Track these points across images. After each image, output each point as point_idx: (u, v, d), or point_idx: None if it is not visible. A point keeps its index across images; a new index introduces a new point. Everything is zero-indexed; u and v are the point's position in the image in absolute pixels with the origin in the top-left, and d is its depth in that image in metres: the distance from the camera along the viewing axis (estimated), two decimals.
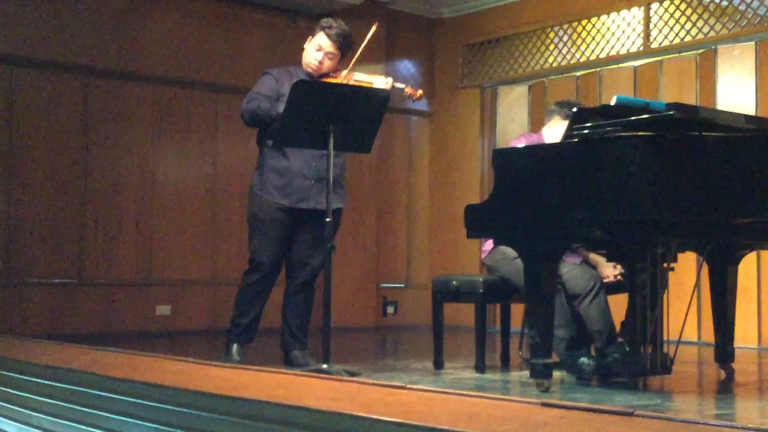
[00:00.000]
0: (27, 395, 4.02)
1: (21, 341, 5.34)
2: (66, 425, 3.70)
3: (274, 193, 4.89)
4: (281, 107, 4.71)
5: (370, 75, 4.93)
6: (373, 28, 4.83)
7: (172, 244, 7.51)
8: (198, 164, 7.69)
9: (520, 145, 4.75)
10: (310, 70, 4.96)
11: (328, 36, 4.91)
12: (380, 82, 4.83)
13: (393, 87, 4.85)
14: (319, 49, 4.92)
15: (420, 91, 4.99)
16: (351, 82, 4.83)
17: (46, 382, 3.90)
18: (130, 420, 3.35)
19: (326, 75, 4.96)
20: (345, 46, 4.97)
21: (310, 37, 4.99)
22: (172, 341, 6.85)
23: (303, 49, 5.01)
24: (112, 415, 3.46)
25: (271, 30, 8.03)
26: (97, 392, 3.56)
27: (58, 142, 7.07)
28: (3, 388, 4.22)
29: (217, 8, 7.83)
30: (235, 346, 4.90)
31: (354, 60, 4.87)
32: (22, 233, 6.88)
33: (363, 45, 4.82)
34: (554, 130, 4.96)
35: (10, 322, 6.61)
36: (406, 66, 9.00)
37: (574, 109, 3.92)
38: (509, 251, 4.72)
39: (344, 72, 4.90)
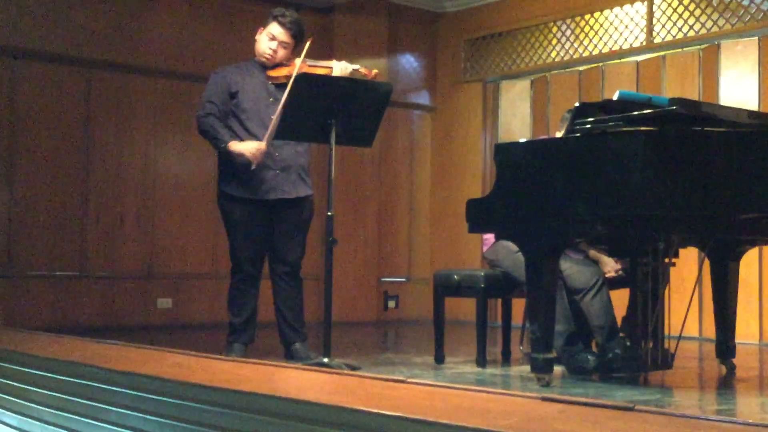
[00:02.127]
0: (28, 387, 4.03)
1: (23, 334, 5.34)
2: (67, 417, 3.70)
3: (240, 187, 4.85)
4: (239, 102, 4.80)
5: (322, 61, 4.90)
6: (308, 43, 4.82)
7: (173, 237, 7.52)
8: (199, 157, 7.67)
9: None
10: (264, 60, 4.93)
11: (282, 25, 4.89)
12: (339, 66, 4.81)
13: (353, 72, 4.81)
14: (273, 39, 4.90)
15: (375, 71, 4.91)
16: (306, 69, 4.78)
17: (48, 374, 3.91)
18: (131, 413, 3.35)
19: (280, 65, 4.93)
20: (298, 35, 4.95)
21: (261, 27, 4.96)
22: (173, 334, 6.85)
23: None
24: (113, 408, 3.46)
25: None
26: (99, 385, 3.56)
27: (59, 135, 7.07)
28: (4, 381, 4.22)
29: (219, 1, 7.82)
30: (236, 345, 4.88)
31: (306, 46, 4.82)
32: (24, 226, 6.89)
33: (303, 53, 4.82)
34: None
35: (12, 315, 6.62)
36: (409, 60, 8.99)
37: (576, 104, 3.92)
38: (511, 245, 4.71)
39: (298, 60, 4.86)
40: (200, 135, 4.92)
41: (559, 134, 5.03)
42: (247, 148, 4.72)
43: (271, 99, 4.83)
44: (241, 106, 4.83)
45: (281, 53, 4.92)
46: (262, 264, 4.98)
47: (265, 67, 4.93)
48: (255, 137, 4.80)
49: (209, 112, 4.84)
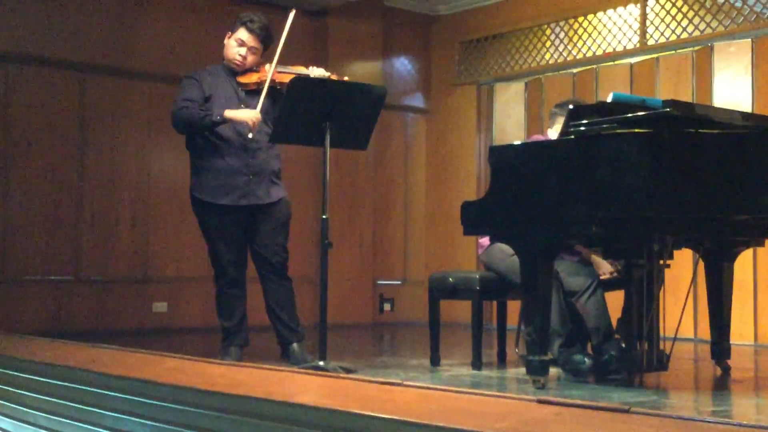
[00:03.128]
0: (23, 392, 4.02)
1: (17, 338, 5.33)
2: (62, 422, 3.70)
3: (213, 193, 4.83)
4: (214, 108, 4.74)
5: (294, 67, 4.88)
6: (292, 14, 4.75)
7: (168, 240, 7.50)
8: None
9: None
10: (234, 65, 4.91)
11: (250, 30, 4.87)
12: (318, 72, 4.79)
13: (328, 76, 4.77)
14: (242, 44, 4.88)
15: (346, 78, 4.89)
16: (276, 75, 4.77)
17: (43, 379, 3.90)
18: (126, 417, 3.35)
19: (249, 70, 4.91)
20: (267, 39, 4.93)
21: (230, 32, 4.93)
22: (168, 338, 6.84)
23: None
24: (109, 413, 3.46)
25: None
26: (94, 389, 3.56)
27: (54, 139, 7.06)
28: None
29: (213, 4, 7.81)
30: (232, 349, 4.88)
31: (278, 53, 4.78)
32: (19, 230, 6.87)
33: (284, 34, 4.76)
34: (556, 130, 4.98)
35: (6, 320, 6.60)
36: (403, 63, 9.00)
37: (570, 106, 3.93)
38: (506, 248, 4.72)
39: (267, 66, 4.85)
40: (179, 129, 4.88)
41: (551, 130, 5.04)
42: (246, 114, 4.69)
43: (242, 105, 4.80)
44: (213, 112, 4.80)
45: (250, 59, 4.90)
46: (244, 267, 4.97)
47: (234, 72, 4.91)
48: (228, 143, 4.77)
49: (184, 105, 4.78)
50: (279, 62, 4.81)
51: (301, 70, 4.85)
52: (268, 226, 4.88)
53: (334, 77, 4.78)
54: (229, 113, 4.71)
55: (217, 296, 4.96)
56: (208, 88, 4.84)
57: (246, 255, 4.96)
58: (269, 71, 4.76)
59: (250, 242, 4.91)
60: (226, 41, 4.94)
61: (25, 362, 4.11)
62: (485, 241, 4.96)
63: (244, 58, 4.87)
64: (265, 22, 4.91)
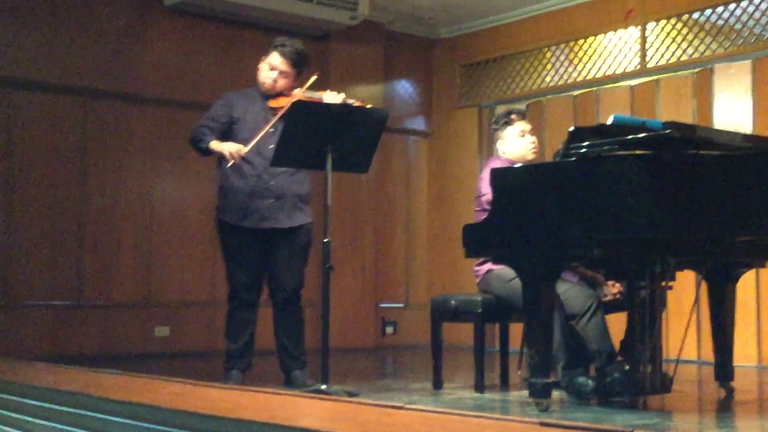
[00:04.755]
0: (25, 418, 4.01)
1: (20, 363, 5.32)
2: None
3: (235, 215, 4.88)
4: (237, 129, 4.82)
5: (320, 92, 4.90)
6: (313, 78, 4.86)
7: (170, 265, 7.51)
8: (196, 185, 7.68)
9: (496, 165, 4.79)
10: (264, 89, 4.95)
11: (282, 54, 4.91)
12: (330, 97, 4.82)
13: (344, 101, 4.80)
14: (273, 69, 4.92)
15: (369, 105, 4.93)
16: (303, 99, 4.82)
17: (45, 404, 3.89)
18: None
19: (280, 94, 4.94)
20: (299, 64, 4.97)
21: (264, 56, 4.99)
22: (170, 362, 6.83)
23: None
24: None
25: (269, 50, 8.04)
26: (96, 414, 3.55)
27: (56, 164, 7.08)
28: (1, 411, 4.21)
29: (215, 30, 7.85)
30: (234, 372, 4.88)
31: (309, 83, 4.87)
32: (21, 255, 6.87)
33: (306, 85, 4.88)
34: (506, 144, 5.04)
35: (8, 344, 6.59)
36: (404, 86, 9.03)
37: (571, 128, 3.93)
38: (503, 273, 4.73)
39: (297, 91, 4.89)
40: (191, 146, 4.95)
41: (497, 145, 5.08)
42: (225, 146, 4.73)
43: (271, 129, 4.82)
44: (240, 135, 4.85)
45: (281, 82, 4.93)
46: (259, 291, 4.98)
47: (267, 96, 4.95)
48: (251, 165, 4.81)
49: (203, 125, 4.88)
50: (310, 88, 4.86)
51: (327, 94, 4.84)
52: (286, 252, 4.89)
53: (353, 102, 4.80)
54: (213, 144, 4.78)
55: (226, 317, 4.97)
56: (236, 110, 4.90)
57: (262, 280, 4.97)
58: (297, 96, 4.79)
59: (267, 266, 4.92)
60: (259, 65, 4.99)
61: (27, 387, 4.10)
62: (481, 269, 4.96)
63: (275, 81, 4.92)
64: (298, 47, 4.96)
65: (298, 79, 5.01)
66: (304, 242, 4.95)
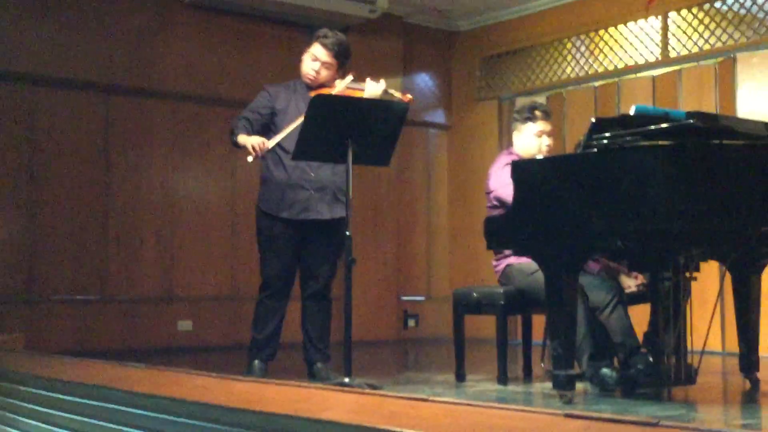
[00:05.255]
0: (51, 411, 4.04)
1: (45, 358, 5.37)
2: None
3: (274, 206, 4.90)
4: (279, 120, 4.83)
5: (361, 83, 4.91)
6: (349, 76, 4.87)
7: (192, 259, 7.54)
8: (218, 179, 7.72)
9: (504, 162, 4.78)
10: (307, 81, 4.97)
11: (324, 45, 4.92)
12: (372, 86, 4.83)
13: (385, 92, 4.83)
14: (315, 60, 4.93)
15: (409, 96, 4.93)
16: (344, 91, 4.83)
17: (71, 398, 3.92)
18: None
19: (323, 86, 4.95)
20: (342, 56, 4.98)
21: (307, 48, 5.00)
22: (193, 356, 6.87)
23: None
24: (135, 430, 3.47)
25: (289, 45, 8.06)
26: (121, 407, 3.57)
27: (79, 160, 7.13)
28: (28, 405, 4.24)
29: (235, 24, 7.87)
30: (256, 362, 4.90)
31: (348, 79, 4.90)
32: (45, 251, 6.93)
33: (343, 85, 4.89)
34: (522, 138, 5.01)
35: (34, 339, 6.65)
36: (424, 79, 9.02)
37: (593, 119, 3.91)
38: (524, 267, 4.72)
39: (338, 82, 4.90)
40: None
41: (515, 138, 5.06)
42: (249, 140, 4.74)
43: None
44: (280, 126, 4.86)
45: (324, 74, 4.95)
46: (292, 282, 5.00)
47: (310, 87, 4.96)
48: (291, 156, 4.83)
49: (241, 117, 4.91)
50: (355, 80, 4.89)
51: (368, 84, 4.85)
52: (323, 243, 4.92)
53: (396, 94, 4.84)
54: (240, 138, 4.78)
55: (256, 306, 5.00)
56: (280, 102, 4.92)
57: (294, 272, 4.99)
58: (338, 87, 4.81)
59: (301, 256, 4.94)
60: (303, 57, 5.00)
61: (53, 381, 4.13)
62: (500, 265, 4.95)
63: (317, 72, 4.93)
64: (341, 38, 4.97)
65: (340, 71, 5.01)
66: (341, 235, 4.95)
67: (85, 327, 7.01)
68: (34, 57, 6.94)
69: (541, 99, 8.38)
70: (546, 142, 4.97)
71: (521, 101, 8.54)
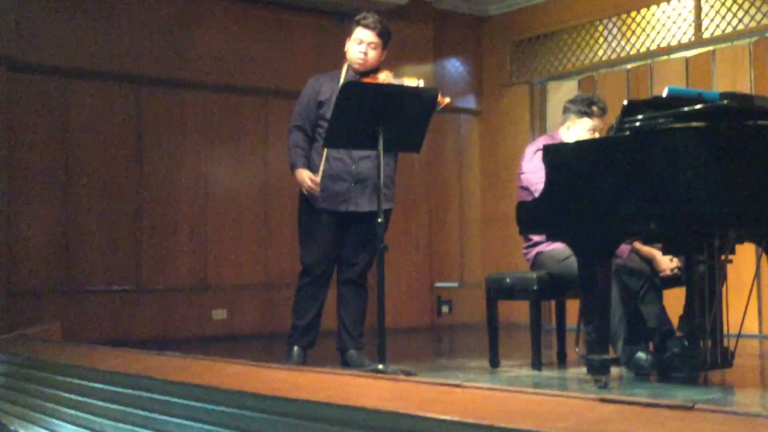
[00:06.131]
0: (89, 400, 4.09)
1: (83, 348, 5.43)
2: (127, 429, 3.75)
3: (316, 196, 4.92)
4: (324, 112, 4.85)
5: (402, 78, 4.89)
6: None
7: (226, 248, 7.59)
8: (250, 169, 7.76)
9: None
10: (357, 65, 4.95)
11: (366, 26, 4.92)
12: (410, 84, 4.81)
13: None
14: (360, 42, 4.93)
15: (447, 99, 4.89)
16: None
17: (108, 387, 3.96)
18: (189, 423, 3.38)
19: (369, 73, 4.94)
20: (385, 34, 4.97)
21: (349, 37, 4.99)
22: (228, 345, 6.91)
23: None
24: (173, 419, 3.50)
25: (319, 33, 8.07)
26: (157, 396, 3.60)
27: (112, 152, 7.19)
28: (66, 395, 4.30)
29: (265, 13, 7.88)
30: (295, 349, 4.94)
31: (387, 75, 4.90)
32: (81, 243, 7.01)
33: (389, 75, 4.89)
34: (572, 131, 4.93)
35: (71, 329, 6.73)
36: (454, 64, 8.99)
37: (625, 102, 3.87)
38: (556, 253, 4.70)
39: (384, 74, 4.90)
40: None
41: (563, 127, 5.00)
42: (302, 180, 4.85)
43: None
44: (326, 117, 4.87)
45: (372, 54, 4.94)
46: (331, 270, 5.02)
47: (358, 74, 4.96)
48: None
49: (296, 125, 4.98)
50: (396, 75, 4.90)
51: (408, 80, 4.84)
52: (362, 233, 4.93)
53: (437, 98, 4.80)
54: (297, 174, 4.88)
55: (296, 292, 5.03)
56: (322, 94, 4.94)
57: (334, 260, 5.02)
58: (383, 79, 4.81)
59: (340, 245, 4.96)
60: (347, 46, 5.00)
61: (91, 371, 4.18)
62: (531, 252, 4.93)
63: (366, 54, 4.93)
64: (379, 17, 4.98)
65: (384, 52, 5.00)
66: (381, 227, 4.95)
67: (120, 317, 7.09)
68: (66, 50, 7.00)
69: (572, 83, 8.33)
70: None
71: (553, 86, 8.49)
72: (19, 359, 4.97)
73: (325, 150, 4.85)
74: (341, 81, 4.95)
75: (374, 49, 4.94)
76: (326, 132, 4.50)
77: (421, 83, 4.78)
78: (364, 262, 4.99)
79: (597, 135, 4.89)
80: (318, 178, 4.84)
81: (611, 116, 4.72)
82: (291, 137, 5.00)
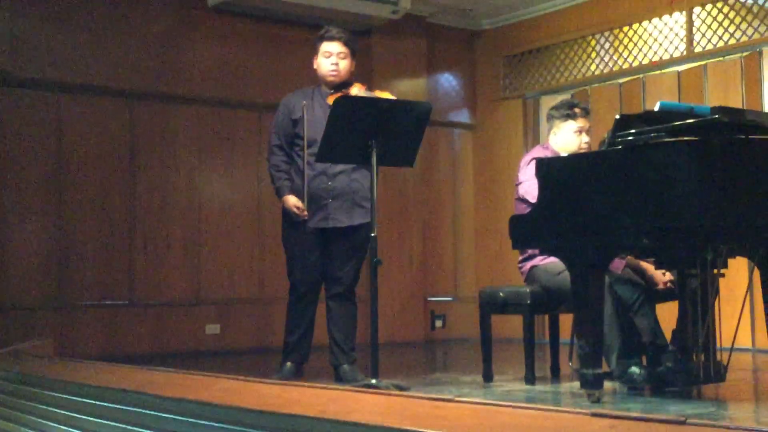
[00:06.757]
0: (80, 416, 4.07)
1: (75, 362, 5.41)
2: None
3: (295, 214, 4.95)
4: (299, 129, 4.93)
5: (380, 92, 4.91)
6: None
7: (219, 262, 7.58)
8: (243, 183, 7.75)
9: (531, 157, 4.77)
10: (330, 79, 4.97)
11: (331, 38, 4.97)
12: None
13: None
14: (330, 55, 4.96)
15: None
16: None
17: (99, 402, 3.95)
18: None
19: (341, 87, 4.96)
20: (350, 42, 5.01)
21: (315, 56, 5.03)
22: (222, 360, 6.90)
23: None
24: None
25: (312, 48, 8.06)
26: (150, 411, 3.59)
27: (105, 166, 7.18)
28: (58, 410, 4.28)
29: (258, 28, 7.90)
30: (288, 365, 4.96)
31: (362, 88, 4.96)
32: (73, 257, 6.99)
33: (361, 90, 4.97)
34: (559, 136, 5.00)
35: (63, 344, 6.71)
36: (448, 79, 9.01)
37: (617, 116, 3.89)
38: (550, 267, 4.70)
39: (355, 88, 4.92)
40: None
41: (551, 135, 5.04)
42: (289, 206, 4.93)
43: None
44: (300, 135, 4.91)
45: (343, 65, 4.97)
46: (318, 285, 5.05)
47: (329, 91, 4.98)
48: (310, 166, 4.91)
49: (275, 144, 5.05)
50: (368, 89, 4.97)
51: (385, 95, 4.86)
52: (344, 248, 4.97)
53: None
54: (284, 200, 4.98)
55: (287, 309, 5.07)
56: (296, 111, 4.98)
57: (321, 275, 5.05)
58: (356, 93, 4.83)
59: (324, 261, 4.97)
60: (315, 63, 5.04)
61: (82, 386, 4.16)
62: (525, 266, 4.94)
63: (337, 65, 4.96)
64: (338, 28, 5.02)
65: (353, 63, 5.02)
66: (363, 239, 4.96)
67: (113, 332, 7.07)
68: (59, 64, 7.01)
69: (565, 97, 8.34)
70: (585, 139, 4.97)
71: (546, 100, 8.52)
72: (11, 375, 4.95)
73: (306, 170, 4.87)
74: (313, 97, 4.98)
75: (344, 58, 4.96)
76: (319, 147, 4.50)
77: (393, 98, 4.80)
78: (349, 276, 5.00)
79: (585, 135, 4.95)
80: (304, 204, 4.87)
81: (603, 130, 4.74)
82: (271, 159, 5.07)
